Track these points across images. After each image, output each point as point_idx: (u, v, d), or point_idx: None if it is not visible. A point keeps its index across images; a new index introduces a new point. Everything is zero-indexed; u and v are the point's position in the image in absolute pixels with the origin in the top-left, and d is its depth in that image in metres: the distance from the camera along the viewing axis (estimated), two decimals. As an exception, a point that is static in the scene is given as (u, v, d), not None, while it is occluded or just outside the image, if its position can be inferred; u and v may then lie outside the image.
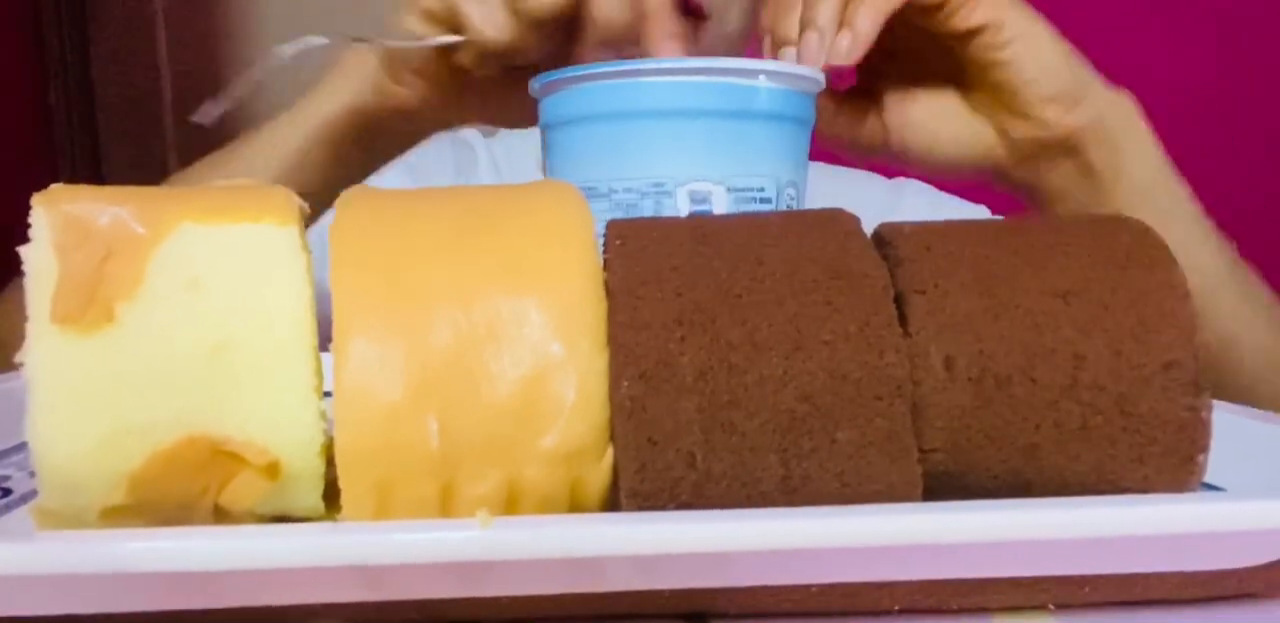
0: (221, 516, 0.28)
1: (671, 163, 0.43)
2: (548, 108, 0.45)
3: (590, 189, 0.43)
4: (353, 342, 0.26)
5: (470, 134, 0.84)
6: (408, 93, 0.53)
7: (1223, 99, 1.35)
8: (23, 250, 0.27)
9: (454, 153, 0.82)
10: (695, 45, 0.50)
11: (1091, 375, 0.27)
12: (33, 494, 0.32)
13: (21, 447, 0.38)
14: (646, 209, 0.43)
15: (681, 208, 0.43)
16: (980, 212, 0.82)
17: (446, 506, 0.27)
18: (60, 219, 0.27)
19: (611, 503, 0.28)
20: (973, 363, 0.27)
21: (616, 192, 0.43)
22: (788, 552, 0.25)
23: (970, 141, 0.52)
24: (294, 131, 0.56)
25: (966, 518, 0.25)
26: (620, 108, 0.43)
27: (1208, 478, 0.29)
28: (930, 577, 0.28)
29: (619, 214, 0.43)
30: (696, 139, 0.43)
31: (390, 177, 0.77)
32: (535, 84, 0.45)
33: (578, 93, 0.44)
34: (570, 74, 0.44)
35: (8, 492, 0.34)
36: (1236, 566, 0.27)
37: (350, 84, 0.55)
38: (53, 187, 0.28)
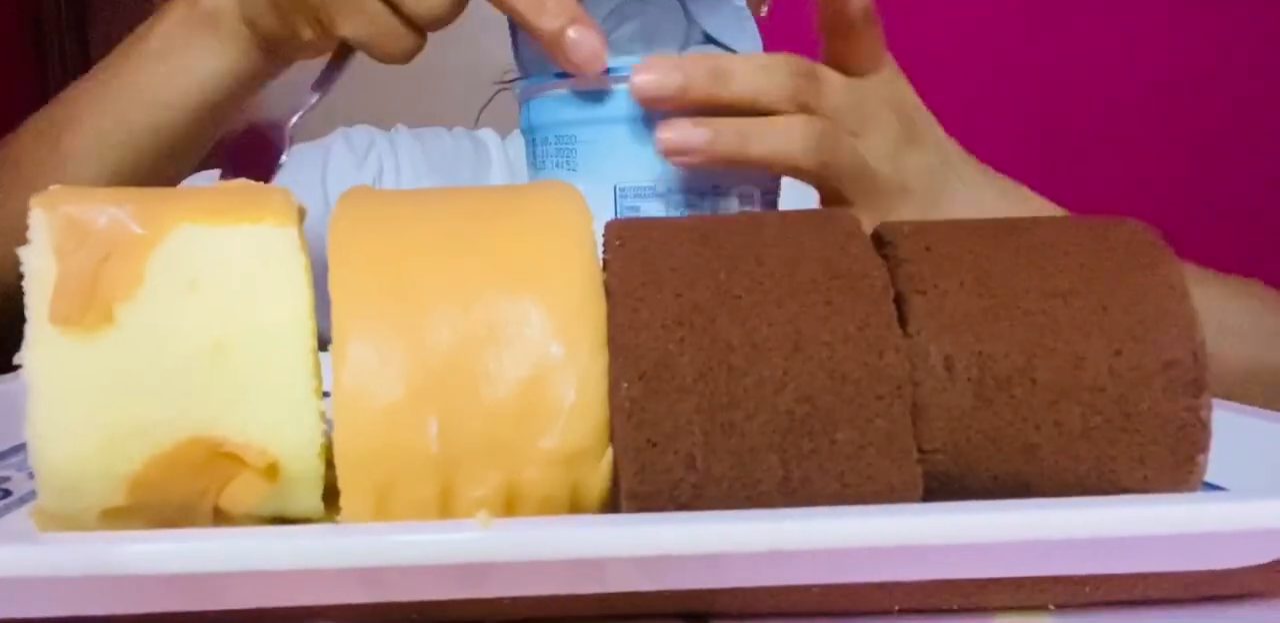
0: (221, 518, 0.28)
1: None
2: (571, 106, 0.44)
3: (648, 189, 0.43)
4: (352, 343, 0.26)
5: (486, 133, 0.84)
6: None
7: (1221, 98, 1.35)
8: (21, 252, 0.27)
9: (473, 150, 0.82)
10: None
11: (1091, 376, 0.27)
12: (32, 496, 0.32)
13: (21, 448, 0.38)
14: (705, 209, 0.44)
15: (732, 208, 0.44)
16: None
17: (446, 507, 0.27)
18: (59, 221, 0.27)
19: (611, 505, 0.28)
20: (972, 363, 0.27)
21: (674, 192, 0.43)
22: (787, 553, 0.25)
23: None
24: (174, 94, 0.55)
25: (966, 519, 0.25)
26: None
27: (1208, 477, 0.29)
28: (930, 578, 0.28)
29: (675, 213, 0.43)
30: None
31: (409, 173, 0.77)
32: (541, 81, 0.45)
33: (621, 93, 0.43)
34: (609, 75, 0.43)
35: (7, 493, 0.34)
36: (1237, 565, 0.27)
37: (226, 45, 0.54)
38: (51, 188, 0.28)
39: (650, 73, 0.42)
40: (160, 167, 0.57)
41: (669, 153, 0.42)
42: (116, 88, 0.56)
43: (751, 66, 0.42)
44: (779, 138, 0.42)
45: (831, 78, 0.44)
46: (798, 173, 0.43)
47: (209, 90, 0.55)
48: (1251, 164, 1.34)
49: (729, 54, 0.43)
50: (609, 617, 0.28)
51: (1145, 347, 0.27)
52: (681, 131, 0.42)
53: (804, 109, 0.43)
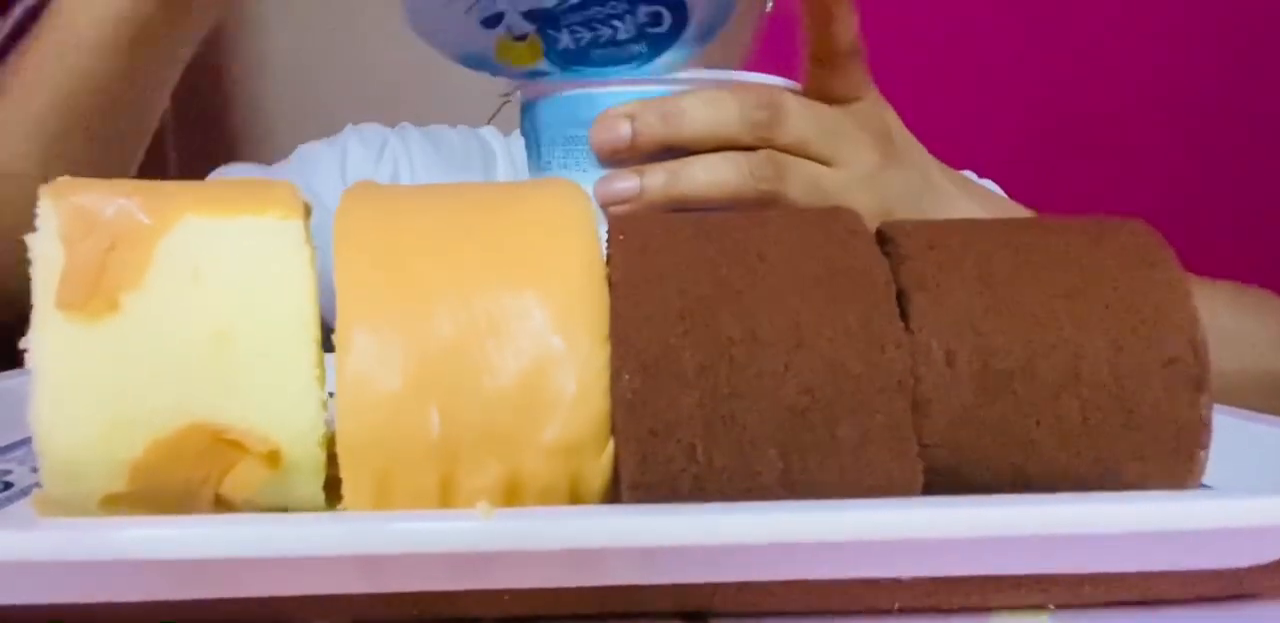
0: (222, 505, 0.28)
1: None
2: (580, 107, 0.45)
3: None
4: (355, 332, 0.26)
5: (488, 132, 0.85)
6: None
7: (1222, 99, 1.35)
8: (29, 239, 0.27)
9: (479, 147, 0.83)
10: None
11: (1092, 372, 0.27)
12: (33, 489, 0.32)
13: (22, 443, 0.38)
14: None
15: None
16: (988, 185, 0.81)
17: (446, 497, 0.27)
18: (67, 210, 0.27)
19: (612, 496, 0.28)
20: (974, 358, 0.27)
21: None
22: (788, 545, 0.25)
23: None
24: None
25: (966, 513, 0.25)
26: None
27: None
28: (929, 573, 0.28)
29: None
30: None
31: (423, 172, 0.77)
32: (549, 80, 0.45)
33: (631, 94, 0.44)
34: (621, 78, 0.45)
35: (9, 485, 0.34)
36: (1236, 564, 0.27)
37: None
38: (59, 179, 0.28)
39: (601, 129, 0.44)
40: (92, 123, 0.58)
41: (604, 204, 0.43)
42: (36, 30, 0.58)
43: (702, 103, 0.44)
44: (707, 173, 0.44)
45: (797, 106, 0.45)
46: (744, 204, 0.44)
47: (108, 32, 0.56)
48: (1254, 165, 1.34)
49: (685, 94, 0.44)
50: (607, 615, 0.28)
51: (1146, 343, 0.27)
52: (612, 182, 0.44)
53: (764, 141, 0.44)
